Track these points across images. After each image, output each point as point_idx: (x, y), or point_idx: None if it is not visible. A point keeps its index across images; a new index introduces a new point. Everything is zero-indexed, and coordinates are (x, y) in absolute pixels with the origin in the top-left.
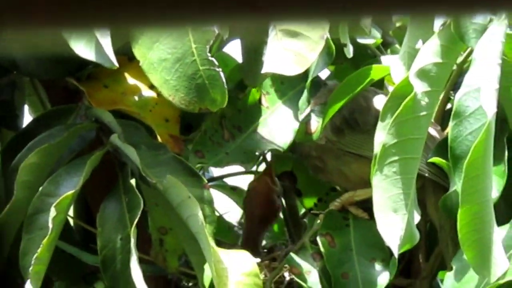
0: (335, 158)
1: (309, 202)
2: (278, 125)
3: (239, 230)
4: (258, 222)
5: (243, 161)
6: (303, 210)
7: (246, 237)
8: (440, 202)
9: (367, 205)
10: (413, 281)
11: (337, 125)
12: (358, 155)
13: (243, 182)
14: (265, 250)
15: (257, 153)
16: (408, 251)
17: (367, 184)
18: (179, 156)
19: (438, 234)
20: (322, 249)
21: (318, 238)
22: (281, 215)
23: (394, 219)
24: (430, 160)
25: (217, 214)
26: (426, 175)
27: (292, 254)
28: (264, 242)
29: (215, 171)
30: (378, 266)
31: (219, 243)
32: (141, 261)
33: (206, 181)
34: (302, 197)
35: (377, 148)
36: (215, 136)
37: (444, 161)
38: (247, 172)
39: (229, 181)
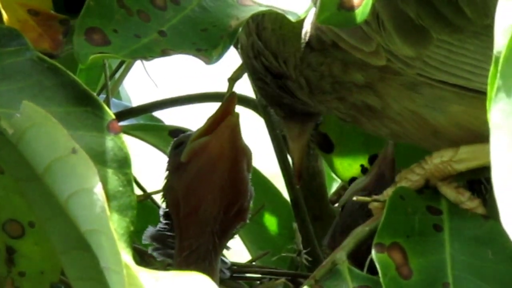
0: (409, 90)
1: (350, 166)
2: None
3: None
4: (208, 218)
5: (199, 47)
6: (334, 186)
7: (182, 252)
8: None
9: (479, 182)
10: None
11: (411, 18)
12: (461, 87)
13: (193, 118)
14: (242, 275)
15: (231, 27)
16: None
17: (480, 139)
18: (53, 57)
19: None
20: (382, 281)
21: (373, 253)
22: (286, 196)
23: None
24: None
25: (137, 192)
26: None
27: None
28: (236, 255)
29: (134, 95)
30: None
31: (143, 259)
32: None
33: (113, 116)
34: (333, 156)
35: (500, 43)
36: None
37: None
38: (200, 97)
39: (164, 115)
